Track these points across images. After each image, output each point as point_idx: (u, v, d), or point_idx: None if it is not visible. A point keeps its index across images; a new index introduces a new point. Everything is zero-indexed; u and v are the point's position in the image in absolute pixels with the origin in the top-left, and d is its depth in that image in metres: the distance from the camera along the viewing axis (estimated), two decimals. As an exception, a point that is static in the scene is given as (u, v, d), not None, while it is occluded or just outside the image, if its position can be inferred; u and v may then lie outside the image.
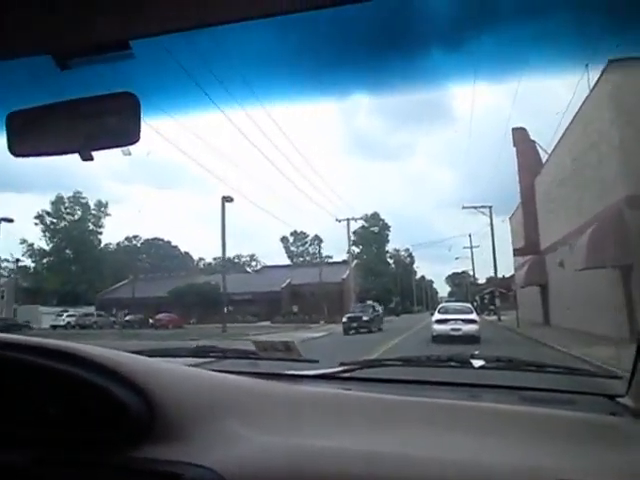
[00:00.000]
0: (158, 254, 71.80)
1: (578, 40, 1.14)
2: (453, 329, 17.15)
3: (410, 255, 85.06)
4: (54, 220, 58.68)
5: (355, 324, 25.29)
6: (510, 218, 35.47)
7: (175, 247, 74.64)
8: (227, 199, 32.81)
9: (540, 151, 25.81)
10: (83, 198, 59.56)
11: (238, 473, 0.96)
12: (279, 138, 75.69)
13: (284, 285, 49.36)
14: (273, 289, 47.75)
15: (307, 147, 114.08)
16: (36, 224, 58.02)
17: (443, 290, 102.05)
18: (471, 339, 16.20)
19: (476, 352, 1.83)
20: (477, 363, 1.66)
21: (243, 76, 1.24)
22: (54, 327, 37.79)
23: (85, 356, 1.05)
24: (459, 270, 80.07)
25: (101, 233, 61.37)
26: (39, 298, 47.56)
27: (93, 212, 60.12)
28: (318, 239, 71.16)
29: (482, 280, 63.34)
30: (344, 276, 45.59)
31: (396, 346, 15.69)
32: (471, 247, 51.59)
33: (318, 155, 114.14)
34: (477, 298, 50.51)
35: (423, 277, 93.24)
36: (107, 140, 1.05)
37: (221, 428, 1.06)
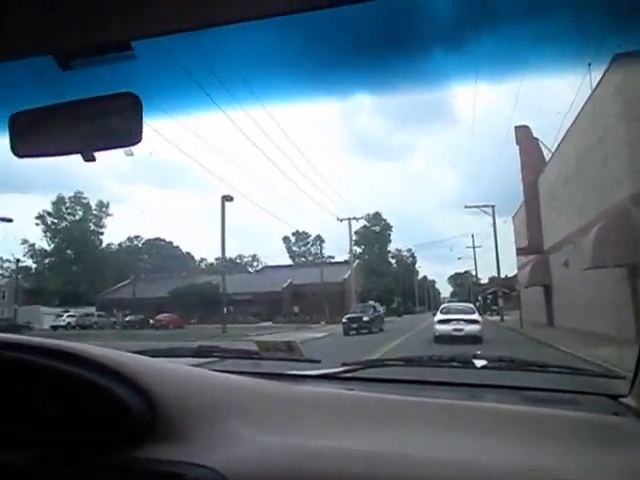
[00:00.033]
0: (160, 254, 71.95)
1: (579, 40, 1.14)
2: (455, 329, 17.12)
3: (412, 255, 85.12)
4: (55, 220, 58.91)
5: (355, 325, 24.95)
6: (513, 217, 35.37)
7: (177, 247, 74.89)
8: (227, 198, 32.71)
9: (543, 149, 25.73)
10: (84, 198, 59.88)
11: (240, 473, 0.96)
12: (281, 138, 75.80)
13: (285, 285, 49.29)
14: (274, 289, 47.66)
15: (309, 147, 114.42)
16: (37, 224, 58.30)
17: (445, 290, 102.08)
18: (473, 339, 16.18)
19: (478, 352, 1.81)
20: (479, 363, 1.66)
21: (244, 76, 1.23)
22: (54, 328, 37.68)
23: (87, 356, 1.05)
24: (461, 270, 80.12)
25: (102, 233, 61.75)
26: (40, 298, 47.54)
27: (94, 212, 60.42)
28: (320, 239, 71.30)
29: (484, 280, 63.44)
30: (346, 276, 45.48)
31: (398, 346, 15.62)
32: (473, 247, 51.41)
33: (320, 155, 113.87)
34: (480, 298, 50.45)
35: (425, 277, 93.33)
36: (109, 141, 1.05)
37: (223, 428, 1.06)
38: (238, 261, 77.99)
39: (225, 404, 1.14)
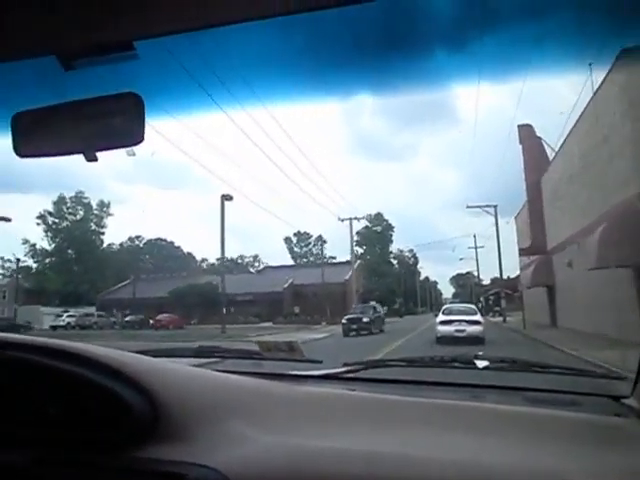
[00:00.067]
0: (161, 254, 72.12)
1: (581, 39, 1.15)
2: (457, 330, 17.13)
3: (414, 256, 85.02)
4: (56, 220, 59.05)
5: (355, 326, 24.52)
6: (516, 218, 35.16)
7: (178, 247, 75.06)
8: (227, 197, 32.55)
9: (546, 148, 25.55)
10: (85, 198, 60.03)
11: (242, 473, 0.96)
12: (282, 139, 75.76)
13: (286, 285, 49.17)
14: (275, 289, 47.54)
15: (310, 148, 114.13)
16: (38, 224, 58.33)
17: (447, 291, 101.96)
18: (475, 340, 16.14)
19: (480, 353, 1.80)
20: (481, 364, 1.66)
21: (245, 77, 1.24)
22: (54, 328, 37.47)
23: (89, 356, 1.05)
24: (463, 271, 79.91)
25: (103, 233, 61.92)
26: (41, 298, 47.49)
27: (95, 212, 60.59)
28: (321, 240, 71.16)
29: (487, 281, 63.32)
30: (347, 277, 45.30)
31: (399, 348, 15.45)
32: (475, 247, 51.26)
33: (321, 156, 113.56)
34: (482, 299, 50.43)
35: (427, 278, 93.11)
36: (111, 141, 1.06)
37: (225, 428, 1.06)
38: (240, 261, 78.28)
39: (227, 404, 1.14)
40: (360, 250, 68.29)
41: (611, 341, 12.72)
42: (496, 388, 1.60)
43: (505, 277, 38.74)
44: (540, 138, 26.00)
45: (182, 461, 0.97)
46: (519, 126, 26.55)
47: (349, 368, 1.72)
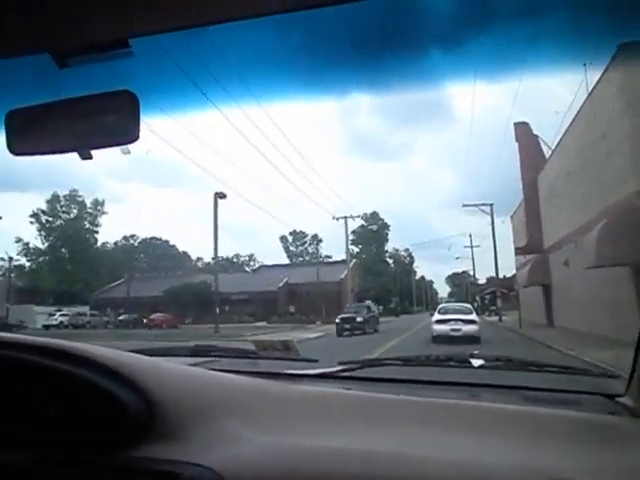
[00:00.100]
0: (156, 253, 72.11)
1: (577, 39, 1.15)
2: (453, 329, 17.19)
3: (410, 255, 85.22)
4: (50, 218, 58.71)
5: (348, 325, 24.32)
6: (512, 216, 35.06)
7: (173, 246, 74.96)
8: (220, 195, 32.36)
9: (543, 147, 25.37)
10: (79, 196, 59.85)
11: (237, 472, 0.97)
12: (278, 137, 75.54)
13: (281, 285, 49.08)
14: (270, 289, 47.45)
15: (306, 146, 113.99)
16: (32, 223, 57.98)
17: (443, 290, 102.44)
18: (471, 339, 16.16)
19: (476, 352, 1.80)
20: (476, 363, 1.66)
21: (241, 75, 1.24)
22: (46, 327, 36.95)
23: (87, 356, 1.05)
24: (459, 270, 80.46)
25: (97, 232, 61.85)
26: (34, 297, 47.17)
27: (89, 210, 60.41)
28: (317, 238, 71.05)
29: (482, 280, 63.45)
30: (342, 276, 45.17)
31: (393, 348, 15.34)
32: (471, 246, 51.45)
33: (317, 154, 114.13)
34: (477, 298, 50.64)
35: (423, 277, 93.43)
36: (106, 139, 1.06)
37: (220, 427, 1.06)
38: (235, 260, 78.20)
39: (222, 403, 1.14)
40: (356, 249, 68.52)
41: (608, 341, 12.54)
42: (492, 387, 1.61)
43: (501, 276, 38.76)
44: (537, 136, 25.86)
45: (177, 460, 0.97)
46: (515, 123, 26.41)
47: (345, 367, 1.71)
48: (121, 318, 41.79)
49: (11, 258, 50.39)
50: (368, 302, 32.94)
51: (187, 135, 46.99)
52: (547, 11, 1.09)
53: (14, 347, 1.07)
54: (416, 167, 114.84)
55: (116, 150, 1.10)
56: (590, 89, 16.25)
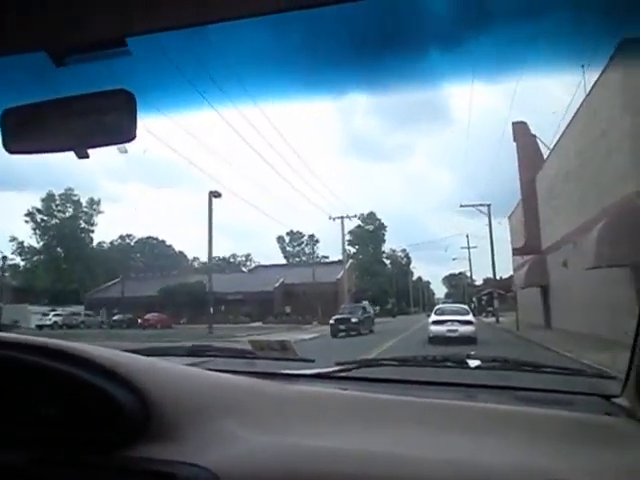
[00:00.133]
0: (152, 253, 71.93)
1: (576, 39, 1.14)
2: (450, 330, 17.22)
3: (407, 256, 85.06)
4: (45, 218, 58.37)
5: (343, 326, 24.02)
6: (509, 217, 35.02)
7: (169, 246, 74.74)
8: (214, 194, 32.13)
9: (541, 146, 25.32)
10: (75, 195, 59.51)
11: (233, 472, 0.97)
12: (275, 137, 75.42)
13: (277, 285, 48.81)
14: (265, 289, 47.15)
15: (303, 147, 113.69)
16: (27, 222, 57.65)
17: (440, 291, 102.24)
18: (467, 340, 16.22)
19: (472, 352, 1.80)
20: (473, 363, 1.67)
21: (239, 74, 1.23)
22: (40, 327, 36.56)
23: (85, 356, 1.05)
24: (456, 271, 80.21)
25: (93, 231, 61.54)
26: (29, 297, 46.79)
27: (85, 209, 60.08)
28: (313, 239, 70.87)
29: (479, 281, 63.39)
30: (339, 276, 44.94)
31: (390, 349, 15.22)
32: (468, 247, 51.39)
33: (314, 155, 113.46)
34: (474, 299, 50.56)
35: (420, 278, 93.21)
36: (103, 138, 1.06)
37: (217, 427, 1.07)
38: (232, 260, 78.03)
39: (219, 403, 1.15)
40: (352, 249, 68.29)
41: (607, 343, 12.45)
42: (488, 387, 1.61)
43: (498, 277, 38.70)
44: (535, 136, 25.78)
45: (173, 460, 0.97)
46: (513, 123, 26.28)
47: (341, 367, 1.72)
48: (115, 318, 41.53)
49: (5, 257, 50.06)
50: (364, 303, 32.87)
51: (184, 134, 46.82)
52: (546, 11, 1.09)
53: (13, 347, 1.08)
54: (413, 168, 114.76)
55: (113, 149, 1.11)
56: (588, 90, 16.20)
